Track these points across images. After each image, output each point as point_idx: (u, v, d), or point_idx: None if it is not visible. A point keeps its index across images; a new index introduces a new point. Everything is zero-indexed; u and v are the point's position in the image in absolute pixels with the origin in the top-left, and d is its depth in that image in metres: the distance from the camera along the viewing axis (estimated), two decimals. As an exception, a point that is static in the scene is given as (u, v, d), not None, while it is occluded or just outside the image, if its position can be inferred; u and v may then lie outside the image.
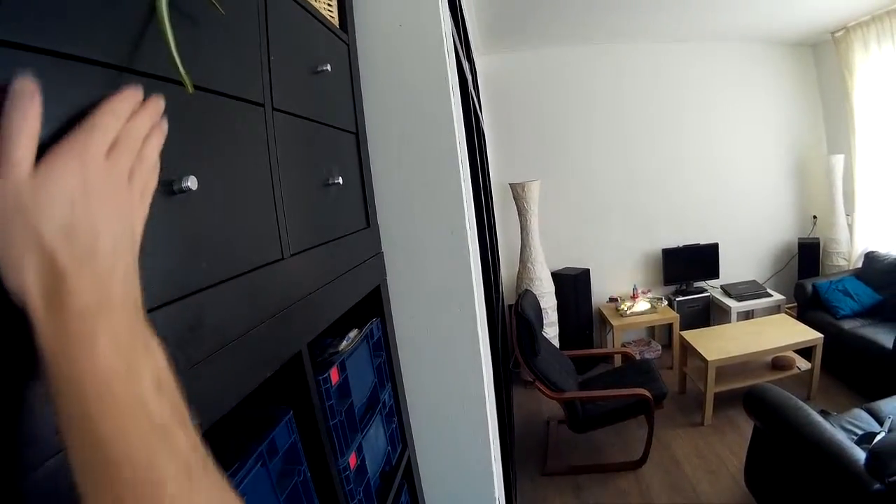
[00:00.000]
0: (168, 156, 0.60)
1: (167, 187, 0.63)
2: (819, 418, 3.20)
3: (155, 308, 0.60)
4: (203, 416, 0.66)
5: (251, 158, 0.88)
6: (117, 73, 0.57)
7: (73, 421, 0.42)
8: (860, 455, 2.86)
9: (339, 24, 1.49)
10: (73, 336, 0.43)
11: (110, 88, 0.53)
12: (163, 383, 0.47)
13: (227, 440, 0.84)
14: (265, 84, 0.94)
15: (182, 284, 0.66)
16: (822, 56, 7.13)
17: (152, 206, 0.57)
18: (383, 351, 1.58)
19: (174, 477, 0.44)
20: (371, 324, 1.50)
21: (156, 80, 0.63)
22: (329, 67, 1.23)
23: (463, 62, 2.70)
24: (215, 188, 0.75)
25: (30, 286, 0.43)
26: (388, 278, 1.73)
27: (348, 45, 1.53)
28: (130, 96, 0.54)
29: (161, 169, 0.58)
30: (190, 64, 0.64)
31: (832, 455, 2.93)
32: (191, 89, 0.63)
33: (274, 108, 0.96)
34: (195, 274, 0.69)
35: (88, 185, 0.47)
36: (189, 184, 0.64)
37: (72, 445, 0.42)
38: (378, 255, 1.65)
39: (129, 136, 0.53)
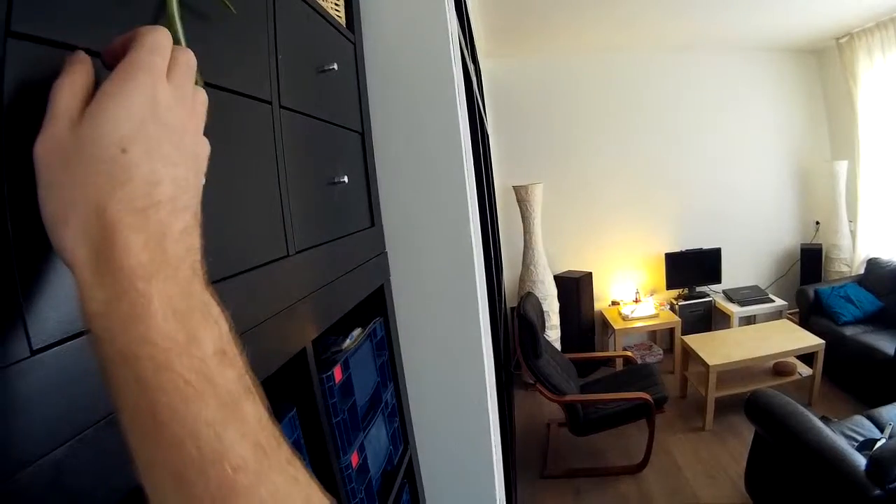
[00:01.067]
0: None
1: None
2: (820, 424, 3.20)
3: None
4: None
5: (258, 155, 0.88)
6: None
7: (129, 398, 0.38)
8: (861, 461, 2.87)
9: (346, 24, 1.50)
10: (124, 301, 0.38)
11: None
12: (227, 352, 0.43)
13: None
14: (273, 82, 0.94)
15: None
16: (827, 63, 7.16)
17: None
18: (386, 350, 1.58)
19: (245, 455, 0.39)
20: (374, 323, 1.50)
21: None
22: (335, 66, 1.23)
23: (468, 64, 2.71)
24: (222, 184, 0.75)
25: (76, 243, 0.39)
26: (391, 278, 1.73)
27: (355, 45, 1.53)
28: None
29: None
30: (199, 61, 0.63)
31: (833, 461, 2.94)
32: (201, 84, 0.63)
33: (281, 106, 0.96)
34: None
35: (152, 113, 0.43)
36: (196, 179, 0.64)
37: (128, 424, 0.38)
38: (382, 254, 1.65)
39: (183, 58, 0.50)
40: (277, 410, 0.95)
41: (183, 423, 0.37)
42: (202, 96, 0.53)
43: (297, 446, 0.97)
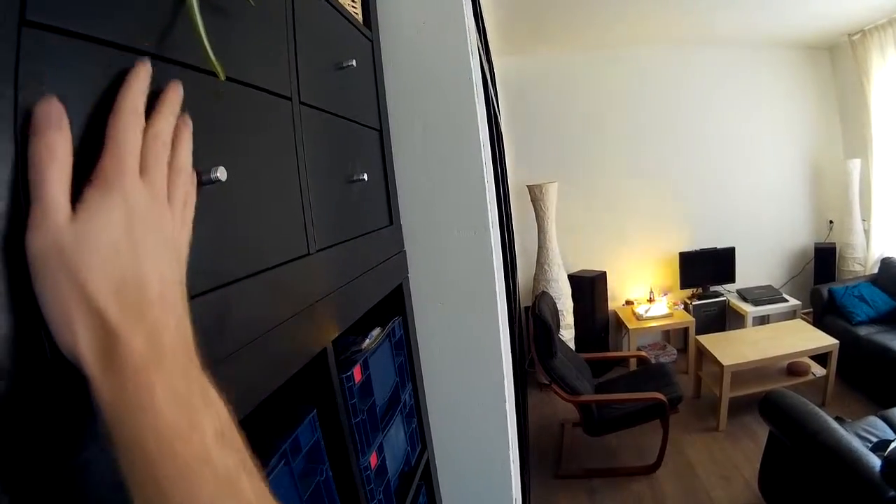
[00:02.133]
0: (198, 146, 0.59)
1: (197, 177, 0.61)
2: (835, 425, 3.19)
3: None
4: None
5: (279, 152, 0.87)
6: (149, 60, 0.56)
7: (137, 476, 0.41)
8: (875, 462, 2.85)
9: (363, 21, 1.49)
10: (131, 394, 0.42)
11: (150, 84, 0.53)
12: (225, 432, 0.47)
13: (250, 438, 0.83)
14: (292, 77, 0.93)
15: (208, 278, 0.65)
16: (839, 59, 7.10)
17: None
18: (404, 350, 1.57)
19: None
20: (393, 322, 1.49)
21: (186, 68, 0.62)
22: (354, 63, 1.22)
23: (483, 62, 2.70)
24: (244, 180, 0.74)
25: (83, 347, 0.41)
26: (409, 276, 1.72)
27: (372, 42, 1.53)
28: (139, 86, 0.51)
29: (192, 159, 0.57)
30: (220, 54, 0.63)
31: (848, 462, 2.93)
32: (223, 76, 0.63)
33: (301, 102, 0.95)
34: (222, 267, 0.68)
35: (131, 221, 0.46)
36: (219, 174, 0.62)
37: (136, 499, 0.41)
38: (401, 252, 1.64)
39: (156, 141, 0.51)
40: (297, 412, 0.94)
41: (185, 501, 0.41)
42: (185, 177, 0.55)
43: (316, 447, 0.97)
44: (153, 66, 0.54)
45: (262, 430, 0.88)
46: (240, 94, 0.76)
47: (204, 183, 0.62)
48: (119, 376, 0.41)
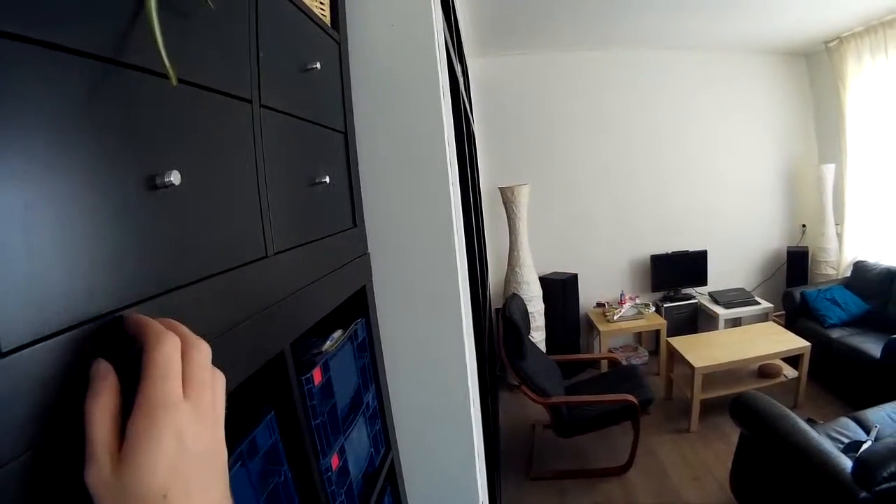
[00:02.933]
0: (151, 149, 0.60)
1: (149, 182, 0.61)
2: (806, 426, 3.21)
3: (129, 305, 0.58)
4: None
5: (237, 155, 0.87)
6: (104, 65, 0.56)
7: None
8: (847, 464, 2.87)
9: (331, 23, 1.48)
10: None
11: (101, 88, 0.54)
12: None
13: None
14: (253, 80, 0.93)
15: (160, 281, 0.64)
16: (816, 66, 7.20)
17: (131, 202, 0.57)
18: (368, 352, 1.56)
19: None
20: (356, 324, 1.49)
21: (142, 72, 0.62)
22: (319, 66, 1.22)
23: (455, 64, 2.70)
24: (199, 184, 0.74)
25: None
26: (373, 279, 1.72)
27: (339, 44, 1.52)
28: (172, 333, 0.52)
29: (144, 163, 0.59)
30: (177, 57, 0.63)
31: (819, 463, 2.94)
32: (175, 82, 0.62)
33: (261, 105, 0.95)
34: (174, 270, 0.68)
35: (181, 454, 0.46)
36: (172, 178, 0.62)
37: None
38: (364, 255, 1.64)
39: (195, 361, 0.52)
40: (255, 413, 0.94)
41: None
42: (219, 385, 0.56)
43: (275, 449, 0.96)
44: (106, 72, 0.55)
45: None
46: (197, 97, 0.75)
47: (157, 186, 0.62)
48: None
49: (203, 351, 0.53)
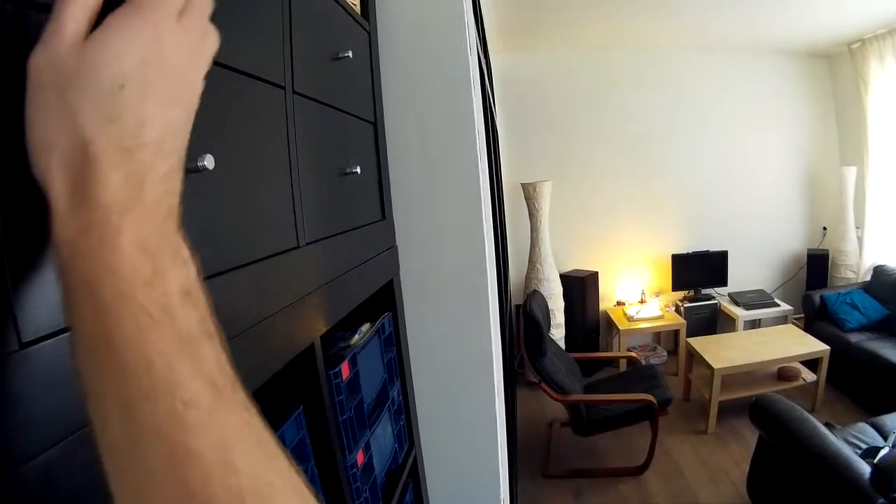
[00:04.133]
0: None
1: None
2: (825, 431, 3.19)
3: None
4: None
5: (270, 141, 0.85)
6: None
7: (86, 325, 0.37)
8: (865, 469, 2.85)
9: (361, 13, 1.46)
10: (95, 232, 0.38)
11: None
12: (192, 294, 0.41)
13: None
14: (287, 66, 0.91)
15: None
16: (838, 67, 7.14)
17: None
18: (394, 346, 1.55)
19: (198, 392, 0.38)
20: (383, 318, 1.47)
21: None
22: (350, 54, 1.20)
23: (480, 58, 2.68)
24: (233, 169, 0.72)
25: (56, 172, 0.39)
26: (401, 272, 1.70)
27: (370, 34, 1.50)
28: None
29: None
30: None
31: (837, 468, 2.93)
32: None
33: (294, 92, 0.93)
34: (206, 258, 0.66)
35: (149, 57, 0.42)
36: (206, 163, 0.60)
37: (81, 353, 0.38)
38: (392, 248, 1.62)
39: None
40: (283, 409, 0.92)
41: (137, 352, 0.37)
42: (211, 41, 0.51)
43: (302, 445, 0.94)
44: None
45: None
46: (232, 81, 0.73)
47: (190, 171, 0.59)
48: (86, 212, 0.38)
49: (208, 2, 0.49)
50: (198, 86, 0.49)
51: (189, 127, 0.47)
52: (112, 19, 0.41)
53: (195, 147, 0.58)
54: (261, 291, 0.78)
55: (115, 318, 0.37)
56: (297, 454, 0.93)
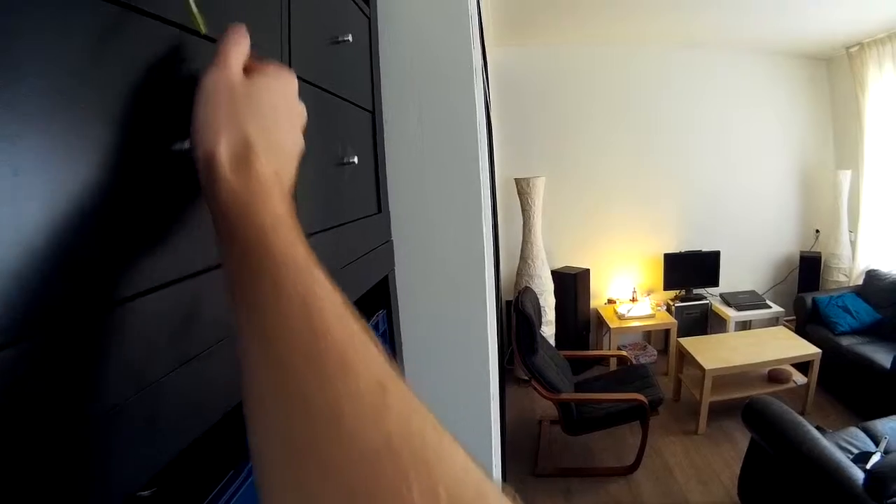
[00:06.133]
0: (173, 115, 0.56)
1: (167, 152, 0.56)
2: (818, 435, 3.18)
3: (142, 294, 0.52)
4: (201, 418, 0.60)
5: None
6: (125, 12, 0.50)
7: (248, 242, 0.50)
8: (859, 475, 2.85)
9: (362, -3, 1.41)
10: (256, 186, 0.53)
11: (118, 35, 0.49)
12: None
13: (221, 442, 0.75)
14: (284, 47, 0.87)
15: (176, 265, 0.58)
16: (836, 71, 7.17)
17: (140, 170, 0.53)
18: (388, 344, 1.51)
19: (329, 300, 0.48)
20: (377, 316, 1.43)
21: (167, 24, 0.57)
22: (350, 38, 1.15)
23: (481, 50, 2.64)
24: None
25: (223, 150, 0.53)
26: (396, 268, 1.65)
27: (370, 20, 1.45)
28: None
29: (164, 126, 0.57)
30: (207, 14, 0.60)
31: (831, 474, 2.93)
32: (203, 29, 0.61)
33: (292, 73, 0.88)
34: (189, 255, 0.60)
35: (284, 100, 0.63)
36: (187, 145, 0.55)
37: (236, 275, 0.49)
38: (388, 242, 1.57)
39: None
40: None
41: (282, 273, 0.48)
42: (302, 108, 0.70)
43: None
44: (127, 17, 0.50)
45: (237, 432, 0.81)
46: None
47: (175, 156, 0.56)
48: (247, 176, 0.53)
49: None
50: (301, 128, 0.68)
51: (296, 161, 0.65)
52: (268, 69, 0.62)
53: (183, 130, 0.55)
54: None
55: (265, 247, 0.49)
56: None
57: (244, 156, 0.54)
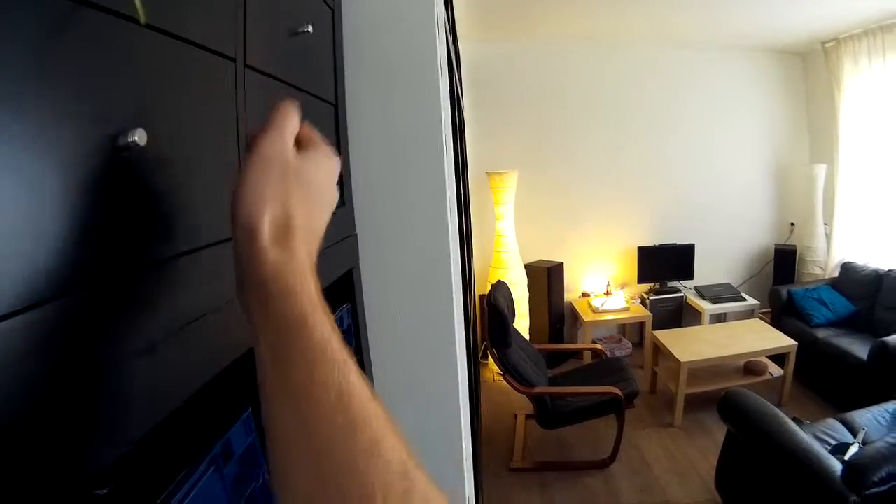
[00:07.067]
0: (113, 104, 0.51)
1: (109, 142, 0.51)
2: (795, 427, 3.19)
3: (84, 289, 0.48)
4: (154, 411, 0.58)
5: (216, 118, 0.77)
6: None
7: (281, 338, 0.52)
8: (836, 466, 2.86)
9: (324, -13, 1.39)
10: (293, 261, 0.55)
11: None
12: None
13: (174, 441, 0.73)
14: (239, 37, 0.83)
15: (124, 258, 0.54)
16: (812, 66, 7.24)
17: (83, 166, 0.48)
18: (353, 339, 1.49)
19: (358, 387, 0.52)
20: (341, 310, 1.41)
21: (102, 11, 0.51)
22: (311, 29, 1.12)
23: (449, 44, 2.62)
24: (169, 147, 0.64)
25: (266, 221, 0.55)
26: (360, 262, 1.62)
27: (333, 11, 1.43)
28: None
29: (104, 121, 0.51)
30: (152, 2, 0.54)
31: (808, 465, 2.94)
32: (143, 19, 0.54)
33: (246, 66, 0.85)
34: (140, 246, 0.58)
35: (325, 179, 0.67)
36: (136, 138, 0.51)
37: (267, 328, 0.53)
38: (352, 236, 1.55)
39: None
40: (230, 411, 0.85)
41: (308, 325, 0.53)
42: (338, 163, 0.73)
43: (252, 449, 0.87)
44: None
45: (189, 432, 0.78)
46: (173, 50, 0.65)
47: (120, 147, 0.52)
48: (287, 250, 0.55)
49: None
50: (332, 211, 0.71)
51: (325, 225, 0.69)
52: (319, 146, 0.68)
53: (125, 120, 0.52)
54: (197, 285, 0.69)
55: (310, 319, 0.53)
56: (247, 460, 0.86)
57: (285, 232, 0.56)
